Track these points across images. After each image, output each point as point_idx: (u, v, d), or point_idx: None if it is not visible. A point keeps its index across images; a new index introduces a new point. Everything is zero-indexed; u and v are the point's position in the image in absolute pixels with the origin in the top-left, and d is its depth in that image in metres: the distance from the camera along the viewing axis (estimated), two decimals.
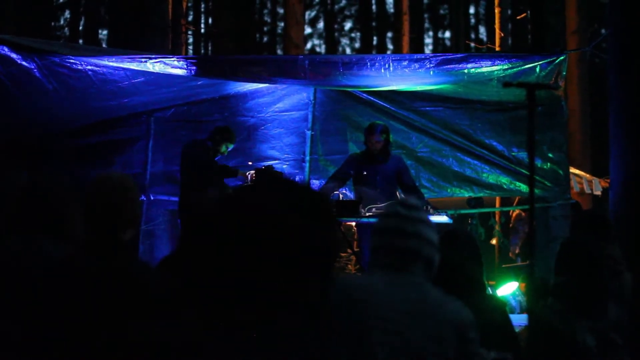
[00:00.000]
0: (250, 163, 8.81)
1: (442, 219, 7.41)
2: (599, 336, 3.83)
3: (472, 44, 24.23)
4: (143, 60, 7.42)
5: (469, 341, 2.68)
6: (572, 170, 11.35)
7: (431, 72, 7.68)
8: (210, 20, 30.62)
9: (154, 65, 7.42)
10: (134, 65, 7.48)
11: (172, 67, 7.48)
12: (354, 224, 7.94)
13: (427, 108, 9.02)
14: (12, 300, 2.71)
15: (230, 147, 8.44)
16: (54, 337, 1.61)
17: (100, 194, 2.89)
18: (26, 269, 2.78)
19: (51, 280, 2.64)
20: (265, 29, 35.70)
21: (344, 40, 38.38)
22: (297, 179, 9.40)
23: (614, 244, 4.68)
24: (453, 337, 2.63)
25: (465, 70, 7.68)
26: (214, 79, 8.20)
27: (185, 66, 7.65)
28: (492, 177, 8.94)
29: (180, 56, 9.04)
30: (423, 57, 7.80)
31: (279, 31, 32.88)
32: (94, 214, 2.85)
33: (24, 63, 7.19)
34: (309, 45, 35.88)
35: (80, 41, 26.37)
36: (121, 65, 7.50)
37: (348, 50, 37.20)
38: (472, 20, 36.93)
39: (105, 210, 2.85)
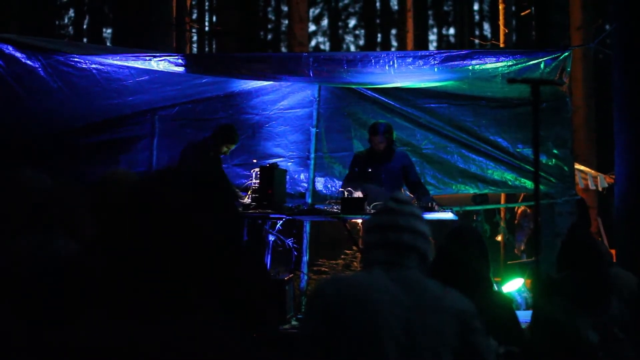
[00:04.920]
0: (255, 160, 8.81)
1: (448, 215, 7.41)
2: (602, 331, 3.83)
3: (477, 41, 24.26)
4: (147, 58, 7.43)
5: (473, 330, 2.68)
6: (577, 166, 11.33)
7: (435, 69, 7.67)
8: (214, 18, 30.65)
9: (158, 64, 7.43)
10: (138, 64, 7.49)
11: (177, 65, 7.48)
12: (359, 221, 7.93)
13: (432, 105, 9.02)
14: (20, 299, 2.72)
15: (233, 147, 8.44)
16: (60, 334, 1.63)
17: (108, 191, 2.90)
18: (36, 267, 2.78)
19: (60, 278, 2.65)
20: (269, 26, 35.71)
21: (348, 38, 38.39)
22: (301, 176, 9.41)
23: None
24: (456, 327, 2.63)
25: (470, 67, 7.67)
26: (218, 76, 8.21)
27: (189, 64, 7.66)
28: (497, 173, 8.94)
29: (184, 54, 9.04)
30: (427, 54, 7.79)
31: (283, 29, 32.94)
32: (101, 211, 2.86)
33: (28, 62, 7.21)
34: (313, 43, 35.89)
35: (85, 40, 26.43)
36: (125, 63, 7.51)
37: (352, 48, 37.19)
38: (477, 17, 36.91)
39: (113, 207, 2.85)
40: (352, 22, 38.52)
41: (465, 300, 2.72)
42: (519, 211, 11.69)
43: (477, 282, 3.66)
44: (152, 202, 1.61)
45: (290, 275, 7.68)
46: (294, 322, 7.24)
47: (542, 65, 7.67)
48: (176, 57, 7.59)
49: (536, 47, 8.53)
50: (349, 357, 2.58)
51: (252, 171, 8.13)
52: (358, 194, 7.57)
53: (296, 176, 9.38)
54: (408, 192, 8.03)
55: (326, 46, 37.83)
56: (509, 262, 10.86)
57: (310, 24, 31.60)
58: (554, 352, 3.75)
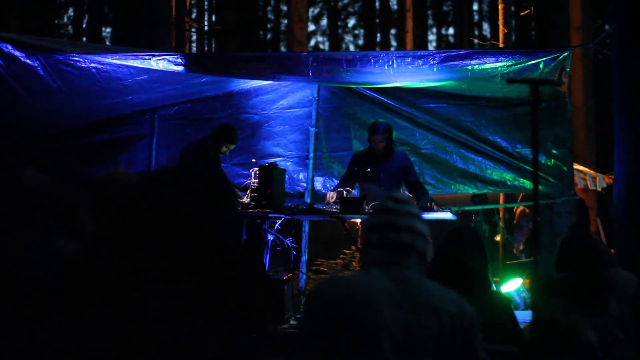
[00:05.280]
0: (254, 160, 8.82)
1: (446, 215, 7.41)
2: (601, 332, 3.83)
3: (476, 41, 24.25)
4: (147, 57, 7.43)
5: (471, 333, 2.65)
6: (576, 166, 11.33)
7: (435, 69, 7.67)
8: (213, 18, 30.66)
9: (158, 63, 7.42)
10: (137, 63, 7.49)
11: (176, 64, 7.48)
12: (358, 221, 7.94)
13: (431, 105, 9.02)
14: (20, 299, 2.71)
15: (232, 147, 8.45)
16: (60, 336, 1.62)
17: (108, 191, 2.89)
18: (36, 267, 2.78)
19: (59, 278, 2.64)
20: (268, 26, 35.70)
21: (348, 37, 38.38)
22: (300, 176, 9.41)
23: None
24: (454, 329, 2.61)
25: (469, 67, 7.67)
26: (217, 76, 8.21)
27: (188, 64, 7.66)
28: (496, 173, 8.93)
29: (184, 53, 9.04)
30: (427, 53, 7.79)
31: (283, 28, 32.94)
32: (101, 211, 2.85)
33: (27, 61, 7.20)
34: (312, 43, 35.88)
35: (84, 39, 26.42)
36: (125, 62, 7.51)
37: (352, 47, 37.18)
38: (476, 17, 36.91)
39: (113, 207, 2.84)
40: (351, 22, 38.54)
41: (465, 302, 2.70)
42: (518, 211, 11.69)
43: (475, 282, 3.66)
44: (152, 202, 1.61)
45: (289, 275, 7.68)
46: (292, 322, 7.24)
47: (541, 66, 7.68)
48: (175, 57, 7.59)
49: (535, 47, 8.53)
50: (347, 357, 2.58)
51: (251, 170, 8.13)
52: (332, 195, 7.63)
53: (295, 176, 9.38)
54: (407, 192, 8.03)
55: (325, 46, 37.85)
56: (507, 262, 10.85)
57: (309, 23, 31.60)
58: (553, 353, 3.75)
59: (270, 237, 8.31)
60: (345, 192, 7.74)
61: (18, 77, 7.29)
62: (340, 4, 37.89)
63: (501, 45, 14.19)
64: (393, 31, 33.71)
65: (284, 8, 31.35)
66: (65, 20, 28.74)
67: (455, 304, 2.67)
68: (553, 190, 8.48)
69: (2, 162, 7.90)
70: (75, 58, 7.37)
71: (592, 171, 13.16)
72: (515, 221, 11.76)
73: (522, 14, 14.85)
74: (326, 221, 8.41)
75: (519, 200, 11.48)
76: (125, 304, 1.57)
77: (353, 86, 8.94)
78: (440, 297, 2.66)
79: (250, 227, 8.08)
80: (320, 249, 12.28)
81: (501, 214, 11.91)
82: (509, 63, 7.69)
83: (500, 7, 14.39)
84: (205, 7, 30.76)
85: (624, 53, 7.35)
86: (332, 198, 7.69)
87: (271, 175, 7.68)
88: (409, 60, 7.69)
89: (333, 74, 7.90)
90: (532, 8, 10.91)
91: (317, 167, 9.39)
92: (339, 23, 38.16)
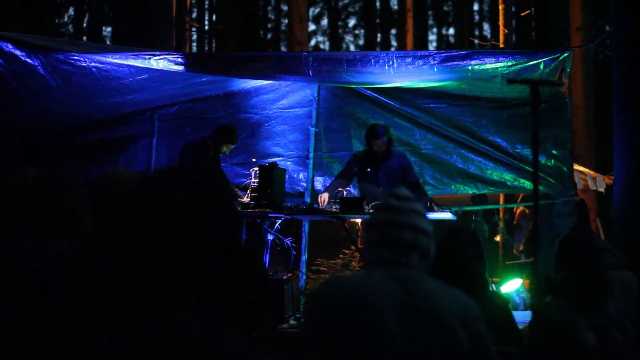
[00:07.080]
0: (254, 160, 8.82)
1: (446, 215, 7.41)
2: (600, 332, 3.83)
3: (476, 41, 24.26)
4: (147, 57, 7.43)
5: (477, 333, 2.60)
6: (576, 167, 11.34)
7: (435, 69, 7.67)
8: (214, 17, 30.65)
9: (158, 62, 7.42)
10: (137, 62, 7.49)
11: (176, 64, 7.48)
12: (358, 220, 7.93)
13: (431, 105, 9.01)
14: (19, 298, 2.71)
15: (232, 147, 8.44)
16: (60, 334, 1.62)
17: (107, 190, 2.88)
18: (35, 266, 2.77)
19: (60, 277, 2.64)
20: (269, 25, 35.71)
21: (348, 37, 38.40)
22: (300, 176, 9.41)
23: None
24: (460, 330, 2.56)
25: (469, 67, 7.67)
26: (217, 76, 8.20)
27: (188, 63, 7.66)
28: (496, 174, 8.93)
29: (184, 53, 9.04)
30: (427, 54, 7.79)
31: (283, 28, 32.95)
32: (101, 210, 2.84)
33: (28, 60, 7.20)
34: (312, 42, 35.90)
35: (84, 38, 26.42)
36: (125, 62, 7.50)
37: (352, 47, 37.19)
38: (476, 17, 36.92)
39: (113, 206, 2.84)
40: (351, 22, 38.58)
41: (471, 301, 2.65)
42: (518, 211, 11.70)
43: (473, 282, 3.64)
44: (152, 201, 1.61)
45: (289, 275, 7.68)
46: (292, 322, 7.24)
47: (541, 66, 7.68)
48: (176, 56, 7.58)
49: (536, 48, 8.53)
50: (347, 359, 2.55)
51: (251, 170, 8.13)
52: (324, 199, 7.63)
53: (295, 175, 9.38)
54: None
55: (326, 45, 37.87)
56: (507, 263, 10.86)
57: (310, 23, 31.61)
58: (552, 353, 3.75)
59: (270, 237, 8.31)
60: (337, 192, 7.74)
61: (18, 76, 7.29)
62: (340, 3, 37.92)
63: (501, 45, 14.21)
64: (393, 31, 33.75)
65: (285, 8, 31.38)
66: (66, 19, 28.76)
67: (459, 304, 2.62)
68: (553, 190, 8.48)
69: (2, 161, 7.89)
70: (75, 57, 7.37)
71: (592, 172, 13.17)
72: (515, 222, 11.77)
73: (522, 14, 14.85)
74: (326, 221, 8.41)
75: (518, 201, 11.48)
76: (125, 303, 1.57)
77: (353, 86, 8.94)
78: (443, 298, 2.61)
79: (250, 227, 8.08)
80: (320, 248, 12.28)
81: (501, 215, 11.92)
82: (509, 63, 7.69)
83: (500, 7, 14.40)
84: (206, 6, 30.76)
85: (624, 54, 7.35)
86: (324, 202, 7.68)
87: (271, 175, 7.68)
88: (409, 60, 7.69)
89: (333, 74, 7.90)
90: (533, 9, 10.90)
91: (317, 167, 9.39)
92: (340, 23, 38.20)
